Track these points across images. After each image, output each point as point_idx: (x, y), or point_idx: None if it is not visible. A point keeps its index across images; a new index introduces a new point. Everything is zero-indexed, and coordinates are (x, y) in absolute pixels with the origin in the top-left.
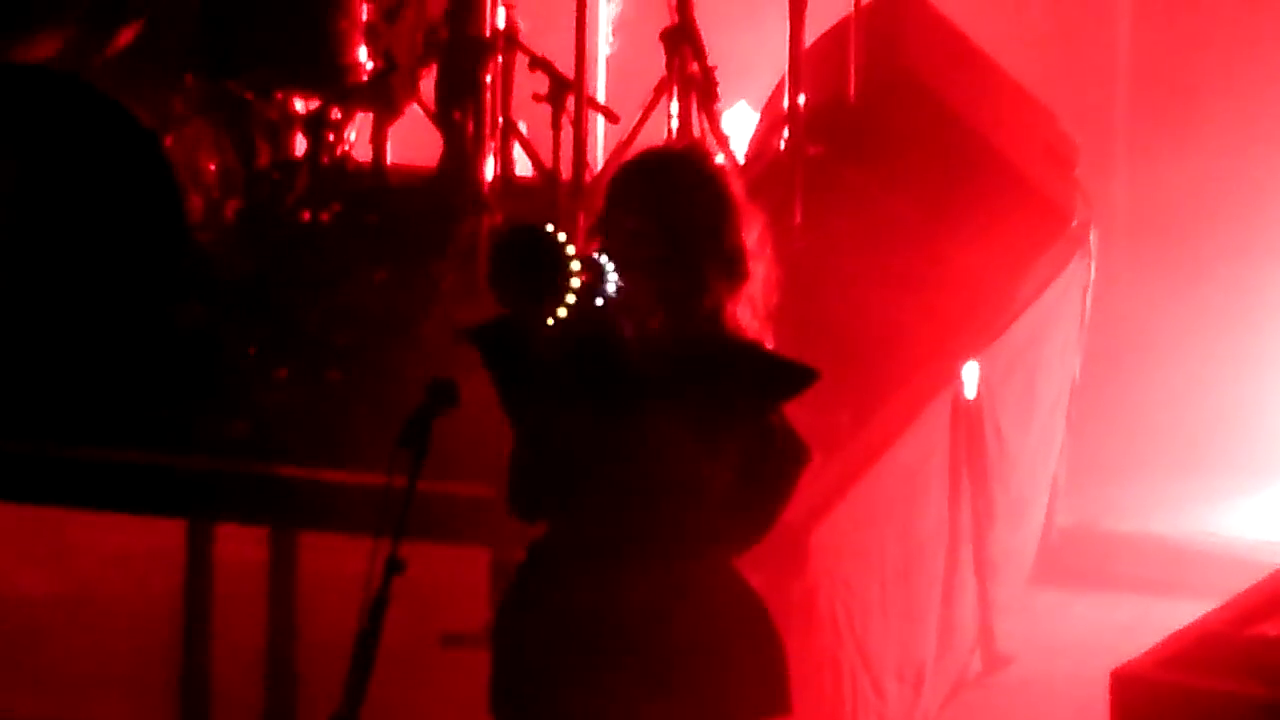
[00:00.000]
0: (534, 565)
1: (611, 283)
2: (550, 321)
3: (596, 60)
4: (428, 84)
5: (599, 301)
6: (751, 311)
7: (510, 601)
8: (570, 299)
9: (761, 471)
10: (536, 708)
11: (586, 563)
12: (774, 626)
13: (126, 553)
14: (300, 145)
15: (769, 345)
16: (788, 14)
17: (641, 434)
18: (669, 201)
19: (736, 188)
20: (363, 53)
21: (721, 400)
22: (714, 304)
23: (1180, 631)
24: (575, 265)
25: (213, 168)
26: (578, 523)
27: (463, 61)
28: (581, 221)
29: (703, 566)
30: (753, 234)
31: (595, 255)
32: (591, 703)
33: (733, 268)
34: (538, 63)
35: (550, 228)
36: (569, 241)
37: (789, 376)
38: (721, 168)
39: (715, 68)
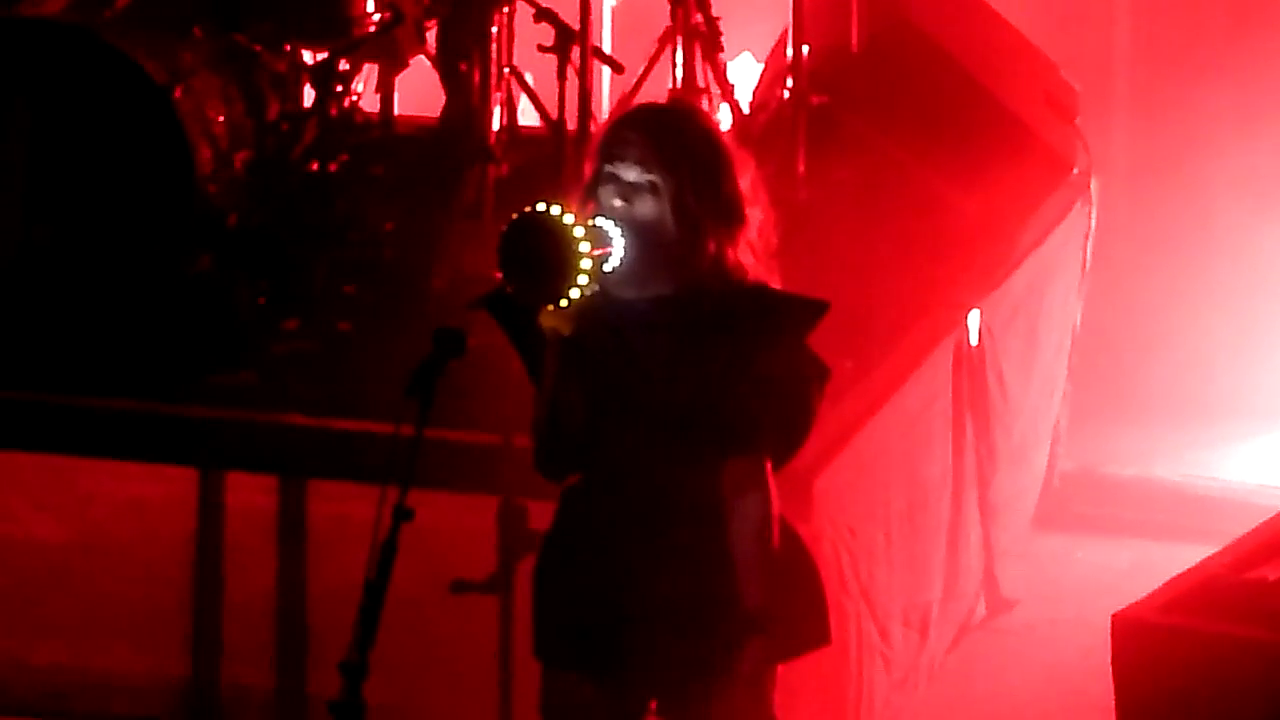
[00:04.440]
0: (571, 509)
1: (618, 247)
2: (565, 304)
3: (601, 11)
4: (434, 35)
5: (608, 267)
6: (752, 255)
7: (550, 546)
8: (583, 281)
9: (786, 392)
10: (585, 649)
11: (624, 505)
12: (812, 558)
13: (139, 501)
14: (308, 97)
15: (775, 285)
16: None
17: (661, 389)
18: (668, 152)
19: (727, 136)
20: (369, 4)
21: (737, 348)
22: (715, 253)
23: (1181, 575)
24: (584, 247)
25: (221, 120)
26: (609, 475)
27: (468, 13)
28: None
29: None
30: (746, 179)
31: (598, 222)
32: (641, 644)
33: (731, 215)
34: (543, 13)
35: (556, 210)
36: (575, 222)
37: (800, 312)
38: (711, 117)
39: (719, 18)
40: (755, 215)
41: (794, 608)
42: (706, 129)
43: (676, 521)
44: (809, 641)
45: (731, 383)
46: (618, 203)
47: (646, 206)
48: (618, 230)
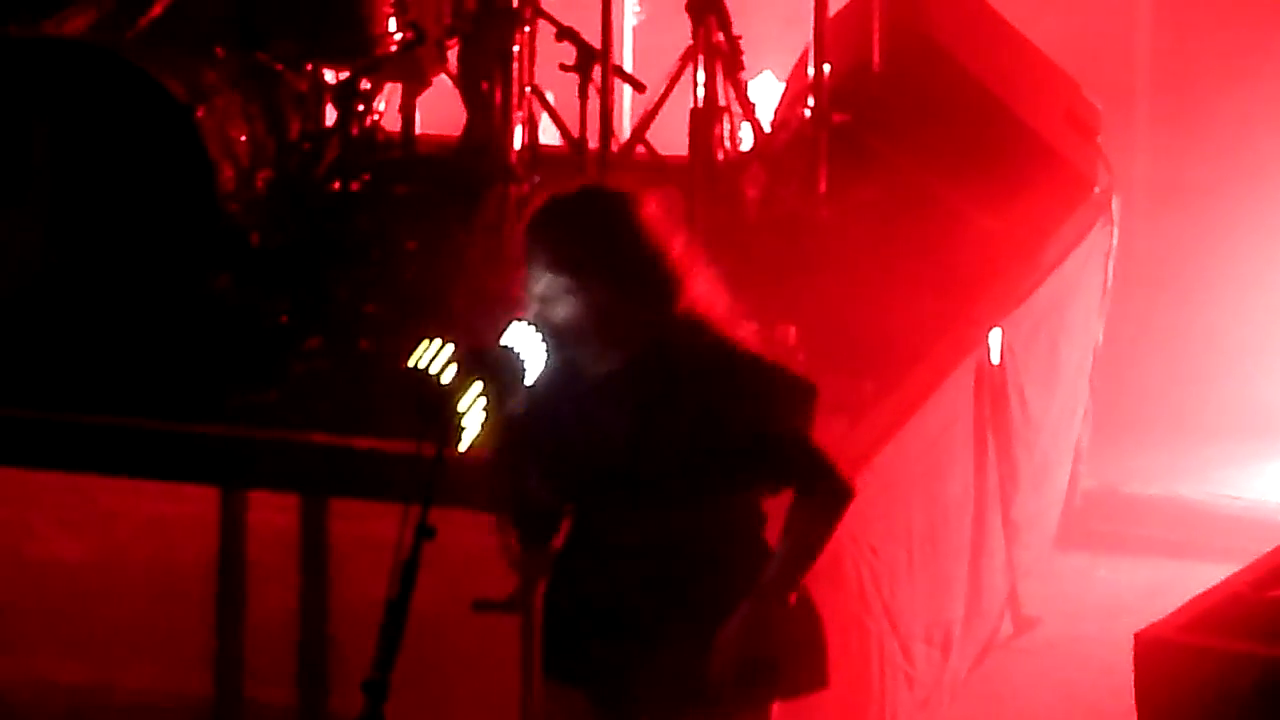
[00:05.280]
0: (577, 536)
1: (539, 352)
2: (464, 449)
3: (623, 30)
4: (455, 54)
5: (531, 380)
6: (709, 309)
7: (560, 561)
8: (473, 423)
9: (808, 501)
10: (582, 666)
11: (612, 560)
12: (811, 600)
13: (161, 520)
14: (330, 116)
15: (740, 333)
16: None
17: (627, 459)
18: (569, 256)
19: (644, 209)
20: (391, 24)
21: (697, 407)
22: (656, 323)
23: (1203, 594)
24: (466, 398)
25: (243, 139)
26: (593, 538)
27: (490, 32)
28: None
29: (736, 545)
30: (678, 243)
31: (506, 342)
32: (637, 665)
33: (658, 290)
34: (565, 32)
35: (431, 362)
36: (458, 370)
37: (749, 368)
38: (617, 195)
39: (740, 37)
40: (697, 278)
41: (791, 648)
42: (611, 215)
43: (668, 572)
44: (806, 684)
45: (708, 445)
46: (535, 308)
47: (562, 310)
48: (538, 335)
